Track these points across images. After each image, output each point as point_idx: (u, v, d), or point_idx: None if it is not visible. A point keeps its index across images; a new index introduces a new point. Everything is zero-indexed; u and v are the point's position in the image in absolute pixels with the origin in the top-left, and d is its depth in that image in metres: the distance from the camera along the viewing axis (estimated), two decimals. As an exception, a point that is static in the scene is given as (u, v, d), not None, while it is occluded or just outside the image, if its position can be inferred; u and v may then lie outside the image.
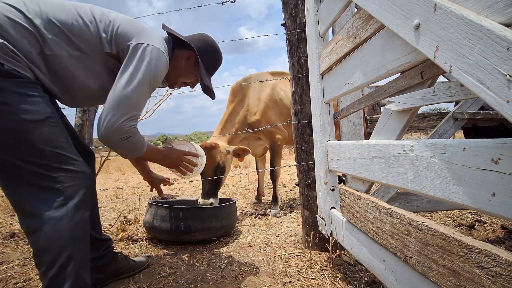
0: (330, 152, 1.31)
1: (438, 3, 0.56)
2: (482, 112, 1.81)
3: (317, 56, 1.37)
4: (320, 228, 1.49)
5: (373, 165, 0.89)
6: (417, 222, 0.69)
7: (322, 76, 1.37)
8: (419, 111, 1.91)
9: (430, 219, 1.56)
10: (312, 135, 1.62)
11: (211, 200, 2.21)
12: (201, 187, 2.17)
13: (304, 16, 1.64)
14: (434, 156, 0.62)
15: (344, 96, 1.42)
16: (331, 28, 1.34)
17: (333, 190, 1.36)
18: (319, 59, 1.36)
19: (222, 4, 2.18)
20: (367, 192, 1.06)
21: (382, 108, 2.51)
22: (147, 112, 2.05)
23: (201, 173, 2.10)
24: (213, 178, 2.24)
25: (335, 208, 1.35)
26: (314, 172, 1.60)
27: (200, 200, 2.22)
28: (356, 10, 1.72)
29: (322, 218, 1.44)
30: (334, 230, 1.32)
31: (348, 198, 1.12)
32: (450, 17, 0.53)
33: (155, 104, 2.06)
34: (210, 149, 2.22)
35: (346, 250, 1.33)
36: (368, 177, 0.94)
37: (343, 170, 1.17)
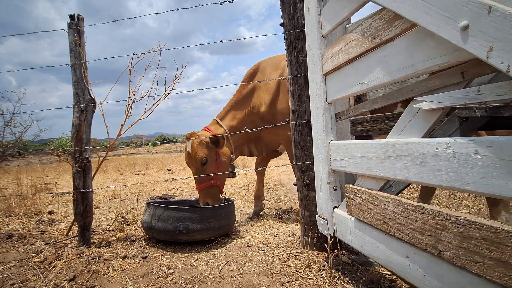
0: (334, 152, 1.31)
1: (493, 5, 0.56)
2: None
3: (320, 56, 1.36)
4: (320, 228, 1.49)
5: (394, 163, 0.90)
6: (456, 217, 0.69)
7: (325, 76, 1.36)
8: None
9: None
10: (310, 135, 1.62)
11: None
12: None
13: (303, 16, 1.63)
14: (478, 152, 0.63)
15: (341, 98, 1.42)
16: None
17: (335, 189, 1.36)
18: (322, 59, 1.36)
19: (221, 4, 2.17)
20: (381, 190, 1.07)
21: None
22: (145, 112, 2.04)
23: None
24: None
25: (338, 208, 1.35)
26: (313, 172, 1.60)
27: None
28: (352, 20, 1.72)
29: (323, 218, 1.43)
30: (337, 230, 1.32)
31: (360, 197, 1.12)
32: (509, 18, 0.54)
33: (153, 104, 2.05)
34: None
35: (354, 249, 1.32)
36: (387, 175, 0.94)
37: (351, 170, 1.17)
